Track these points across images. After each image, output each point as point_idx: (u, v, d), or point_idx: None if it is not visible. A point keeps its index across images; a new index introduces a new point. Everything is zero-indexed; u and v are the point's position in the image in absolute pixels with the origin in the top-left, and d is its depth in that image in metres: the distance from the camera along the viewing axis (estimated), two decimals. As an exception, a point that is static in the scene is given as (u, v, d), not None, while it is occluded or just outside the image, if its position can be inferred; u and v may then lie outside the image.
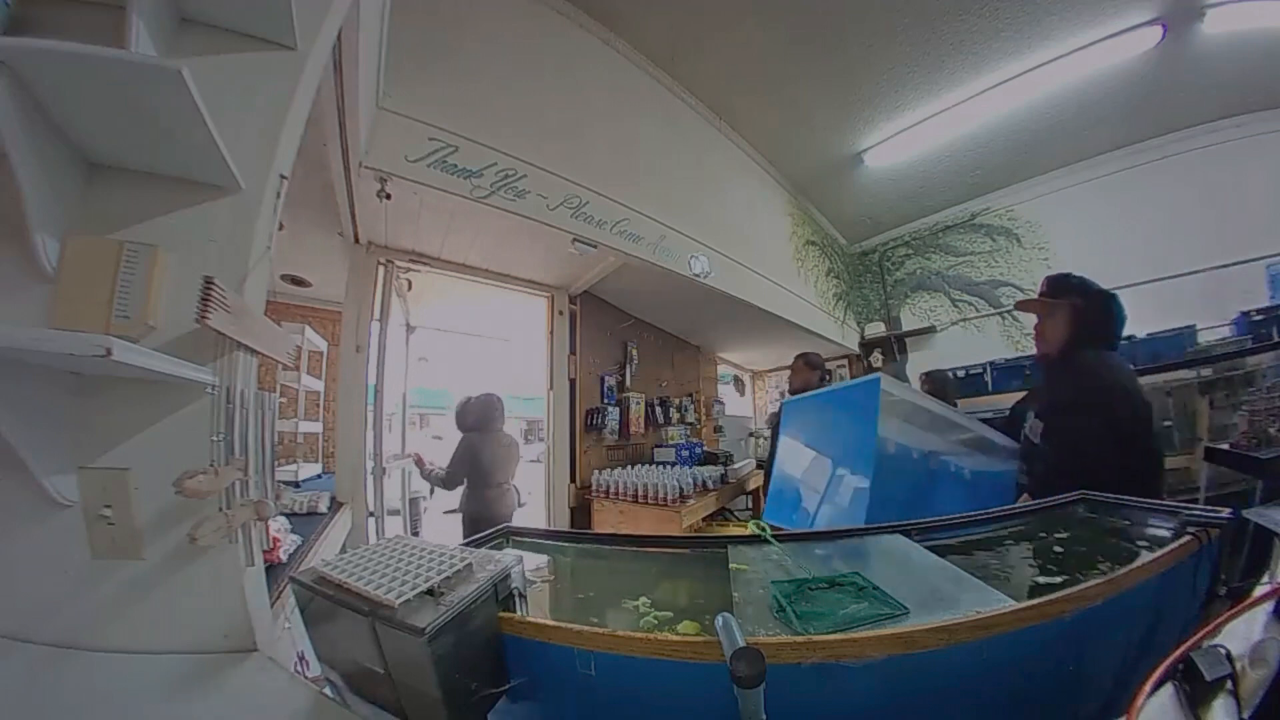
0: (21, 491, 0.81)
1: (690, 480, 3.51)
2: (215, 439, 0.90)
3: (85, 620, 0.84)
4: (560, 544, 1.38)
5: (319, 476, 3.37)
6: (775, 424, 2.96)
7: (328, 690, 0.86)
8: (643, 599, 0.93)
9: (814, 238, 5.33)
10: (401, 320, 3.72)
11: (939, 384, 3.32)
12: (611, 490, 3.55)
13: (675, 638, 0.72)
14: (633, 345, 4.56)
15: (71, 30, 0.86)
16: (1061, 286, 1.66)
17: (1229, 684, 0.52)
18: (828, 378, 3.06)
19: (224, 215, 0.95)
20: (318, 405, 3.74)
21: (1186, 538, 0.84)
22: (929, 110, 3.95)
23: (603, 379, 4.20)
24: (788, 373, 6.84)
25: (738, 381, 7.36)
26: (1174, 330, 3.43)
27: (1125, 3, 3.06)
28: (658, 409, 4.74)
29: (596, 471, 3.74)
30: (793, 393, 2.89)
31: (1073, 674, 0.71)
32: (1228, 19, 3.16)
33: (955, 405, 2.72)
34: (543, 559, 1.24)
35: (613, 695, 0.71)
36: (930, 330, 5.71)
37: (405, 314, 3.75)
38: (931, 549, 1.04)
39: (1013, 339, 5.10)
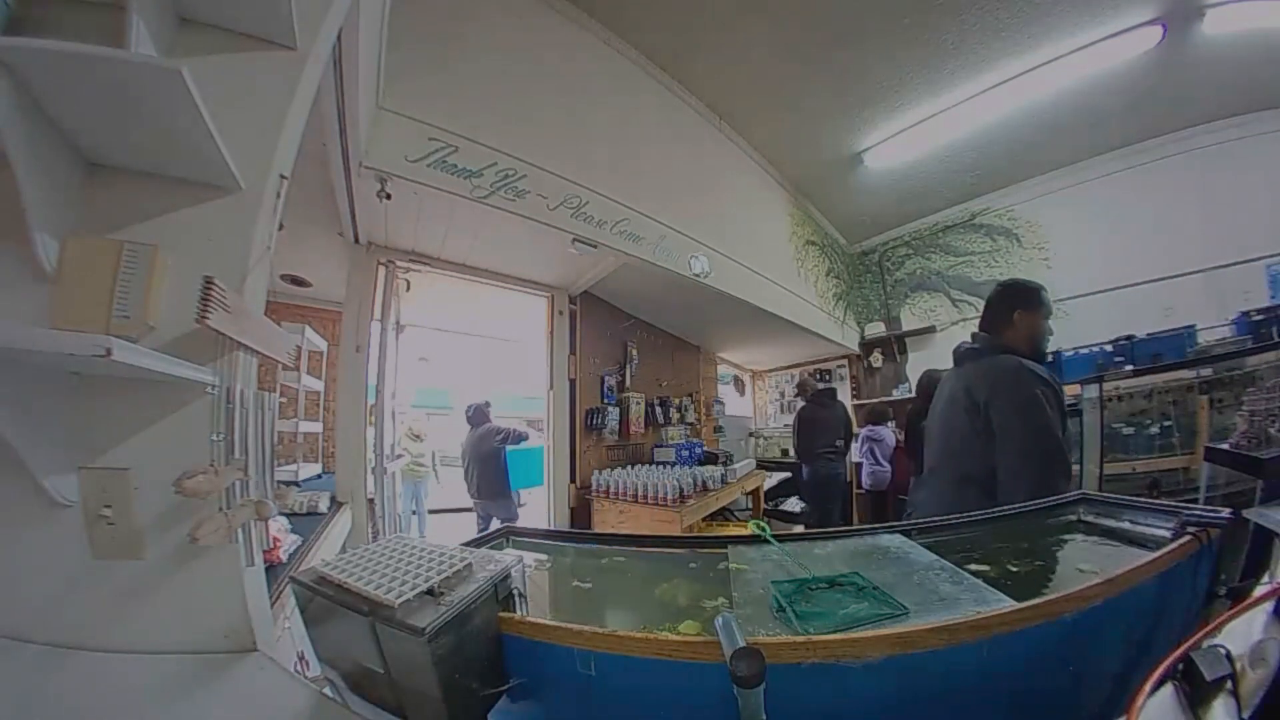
0: (21, 491, 0.81)
1: (690, 480, 3.50)
2: (215, 439, 0.90)
3: (85, 620, 0.84)
4: (560, 544, 1.38)
5: (319, 476, 3.37)
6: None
7: (328, 690, 0.86)
8: (720, 598, 0.93)
9: (814, 238, 5.33)
10: (394, 319, 3.71)
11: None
12: (611, 490, 3.55)
13: (675, 638, 0.72)
14: (633, 345, 4.56)
15: (71, 30, 0.86)
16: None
17: (1229, 684, 0.52)
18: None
19: (224, 215, 0.95)
20: (318, 405, 3.74)
21: (1186, 538, 0.84)
22: (929, 110, 3.95)
23: (603, 379, 4.20)
24: (792, 372, 6.89)
25: (738, 381, 7.36)
26: (1174, 330, 3.44)
27: (1125, 3, 3.05)
28: (658, 409, 4.74)
29: (596, 471, 3.74)
30: (919, 392, 2.32)
31: (1073, 674, 0.70)
32: (1228, 19, 3.16)
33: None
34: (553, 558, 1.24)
35: (613, 695, 0.71)
36: (930, 330, 5.70)
37: (396, 312, 3.74)
38: (931, 549, 1.04)
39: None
